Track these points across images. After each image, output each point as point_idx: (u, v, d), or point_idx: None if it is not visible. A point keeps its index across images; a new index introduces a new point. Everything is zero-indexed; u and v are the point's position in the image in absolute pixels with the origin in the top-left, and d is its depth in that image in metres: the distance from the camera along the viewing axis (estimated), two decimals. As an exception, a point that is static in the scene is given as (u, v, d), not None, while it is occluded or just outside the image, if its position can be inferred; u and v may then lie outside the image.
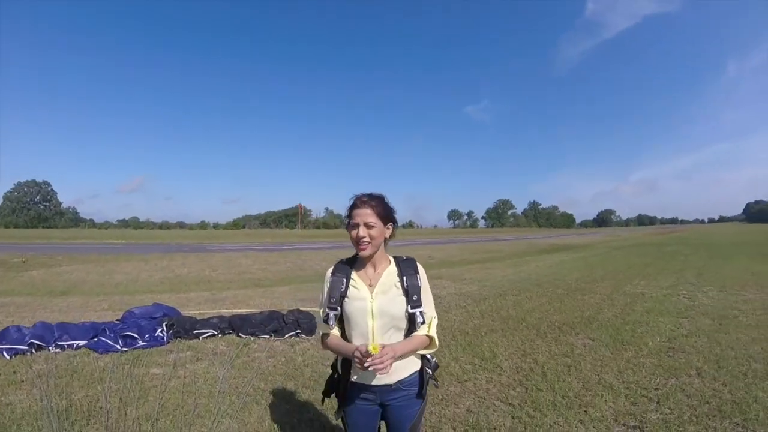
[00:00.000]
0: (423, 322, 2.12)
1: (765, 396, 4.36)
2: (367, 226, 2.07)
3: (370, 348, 1.92)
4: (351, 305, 2.12)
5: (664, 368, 5.22)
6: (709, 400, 4.32)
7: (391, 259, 2.23)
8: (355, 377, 2.16)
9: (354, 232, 2.09)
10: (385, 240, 2.19)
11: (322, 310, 2.21)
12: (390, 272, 2.17)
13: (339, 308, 2.14)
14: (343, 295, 2.14)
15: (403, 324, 2.13)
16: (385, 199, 2.18)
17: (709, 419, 3.92)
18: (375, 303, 2.09)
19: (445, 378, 4.99)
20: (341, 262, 2.25)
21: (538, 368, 5.28)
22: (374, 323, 2.09)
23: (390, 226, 2.18)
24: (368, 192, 2.16)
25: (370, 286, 2.14)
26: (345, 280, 2.16)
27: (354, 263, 2.24)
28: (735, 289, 10.89)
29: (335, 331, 2.22)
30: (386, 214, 2.14)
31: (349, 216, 2.13)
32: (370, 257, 2.15)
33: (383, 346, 1.94)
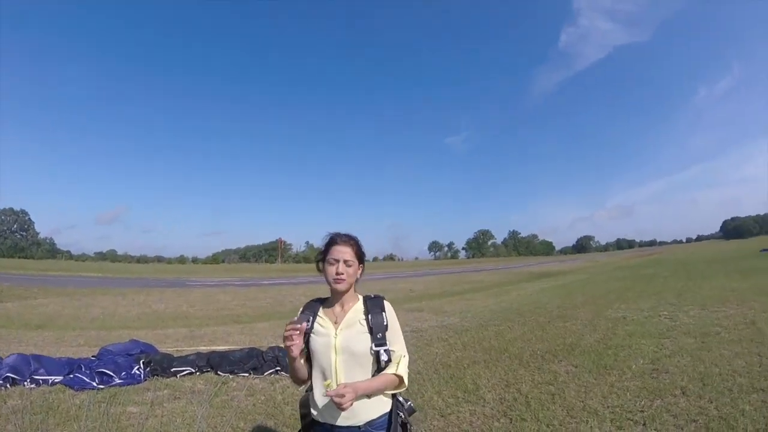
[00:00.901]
0: (388, 361, 2.11)
1: (752, 409, 4.39)
2: (346, 263, 2.15)
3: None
4: (316, 341, 2.15)
5: (649, 390, 5.22)
6: (695, 418, 4.33)
7: (360, 298, 2.28)
8: (319, 417, 2.15)
9: (333, 268, 2.15)
10: (356, 280, 2.26)
11: None
12: (356, 310, 2.21)
13: (304, 345, 2.15)
14: (308, 332, 2.17)
15: (368, 362, 2.13)
16: (360, 242, 2.27)
17: (696, 438, 3.92)
18: (338, 338, 2.12)
19: (428, 412, 4.92)
20: (313, 300, 2.32)
21: (522, 398, 5.23)
22: (337, 358, 2.10)
23: (361, 267, 2.26)
24: (344, 232, 2.26)
25: (336, 323, 2.17)
26: (312, 317, 2.21)
27: (324, 302, 2.30)
28: (716, 306, 11.04)
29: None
30: (361, 255, 2.24)
31: (326, 252, 2.20)
32: (342, 294, 2.20)
33: (344, 385, 1.97)
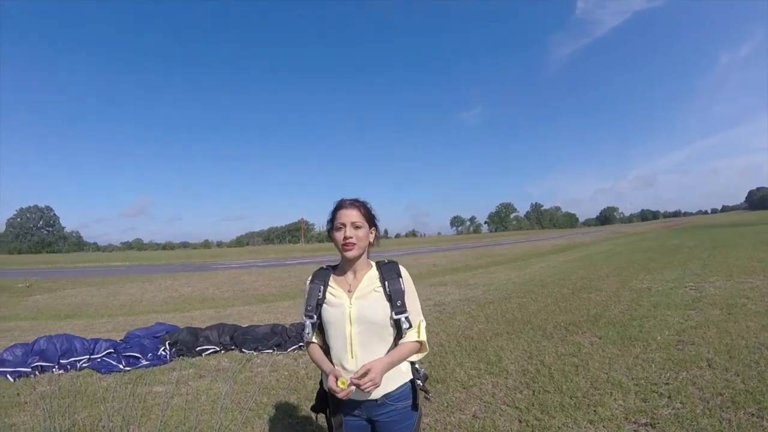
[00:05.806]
0: (410, 327, 2.00)
1: (779, 383, 4.27)
2: (354, 226, 2.01)
3: (339, 383, 1.86)
4: (328, 312, 2.03)
5: (674, 362, 5.13)
6: (721, 391, 4.23)
7: (373, 264, 2.14)
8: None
9: (340, 233, 2.02)
10: (369, 245, 2.12)
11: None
12: (371, 276, 2.08)
13: (315, 316, 2.05)
14: (321, 302, 2.05)
15: (387, 332, 2.02)
16: (369, 205, 2.14)
17: (723, 411, 3.83)
18: (353, 308, 1.99)
19: (450, 384, 4.92)
20: (322, 268, 2.18)
21: (545, 370, 5.19)
22: (352, 329, 1.98)
23: (373, 231, 2.12)
24: (352, 197, 2.13)
25: (349, 291, 2.04)
26: (323, 286, 2.08)
27: (335, 269, 2.17)
28: (742, 277, 10.79)
29: (317, 341, 2.16)
30: (371, 218, 2.10)
31: (334, 219, 2.07)
32: (354, 261, 2.07)
33: (366, 369, 1.87)
